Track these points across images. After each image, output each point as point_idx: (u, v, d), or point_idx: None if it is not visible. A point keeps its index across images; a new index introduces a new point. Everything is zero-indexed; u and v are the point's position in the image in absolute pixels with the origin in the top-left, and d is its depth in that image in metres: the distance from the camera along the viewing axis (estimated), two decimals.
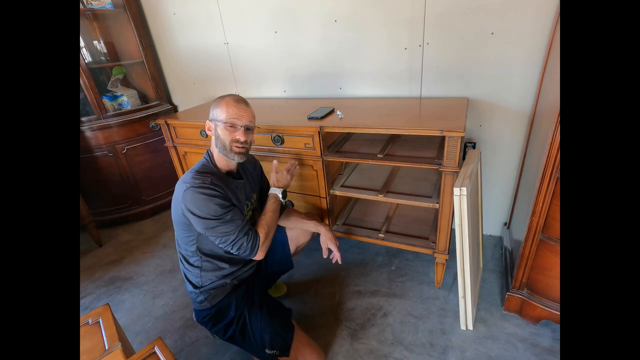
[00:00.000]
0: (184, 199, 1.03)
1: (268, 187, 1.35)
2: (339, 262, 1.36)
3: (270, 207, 1.24)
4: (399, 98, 1.76)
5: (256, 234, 1.12)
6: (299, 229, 1.40)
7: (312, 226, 1.38)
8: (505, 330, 1.33)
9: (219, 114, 1.11)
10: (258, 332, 1.12)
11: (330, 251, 1.37)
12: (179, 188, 1.06)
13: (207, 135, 1.72)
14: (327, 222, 1.63)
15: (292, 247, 1.40)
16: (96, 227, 2.15)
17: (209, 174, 1.09)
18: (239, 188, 1.19)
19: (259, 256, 1.13)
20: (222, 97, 1.13)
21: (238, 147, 1.12)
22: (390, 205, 1.82)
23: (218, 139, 1.13)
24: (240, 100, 1.13)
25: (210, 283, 1.16)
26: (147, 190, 2.39)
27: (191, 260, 1.16)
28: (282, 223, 1.40)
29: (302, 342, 1.17)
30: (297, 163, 1.41)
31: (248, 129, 1.13)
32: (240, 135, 1.11)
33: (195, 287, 1.17)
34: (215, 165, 1.16)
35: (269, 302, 1.22)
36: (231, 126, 1.10)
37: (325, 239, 1.36)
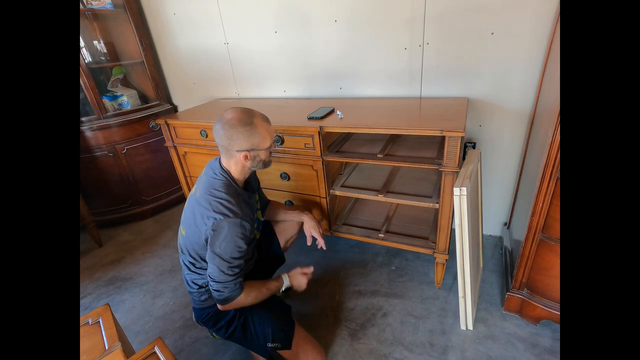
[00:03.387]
0: (215, 225, 1.00)
1: (260, 189, 1.36)
2: (324, 247, 1.38)
3: (269, 288, 1.18)
4: (399, 98, 1.76)
5: (238, 292, 1.07)
6: (284, 222, 1.42)
7: (295, 215, 1.40)
8: (505, 330, 1.33)
9: (261, 142, 1.07)
10: (260, 327, 1.13)
11: (314, 239, 1.39)
12: (208, 207, 1.02)
13: (207, 135, 1.72)
14: (327, 222, 1.64)
15: (282, 241, 1.42)
16: (96, 227, 2.15)
17: (237, 195, 1.07)
18: (252, 197, 1.21)
19: (220, 307, 1.09)
20: (253, 125, 1.05)
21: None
22: (390, 205, 1.82)
23: (258, 162, 1.11)
24: (267, 118, 1.11)
25: None
26: (147, 190, 2.39)
27: (199, 265, 1.14)
28: (267, 217, 1.42)
29: (303, 338, 1.19)
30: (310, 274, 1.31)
31: None
32: (274, 147, 1.15)
33: (200, 287, 1.16)
34: (236, 183, 1.12)
35: (269, 298, 1.23)
36: (274, 147, 1.13)
37: (308, 227, 1.38)
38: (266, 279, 1.22)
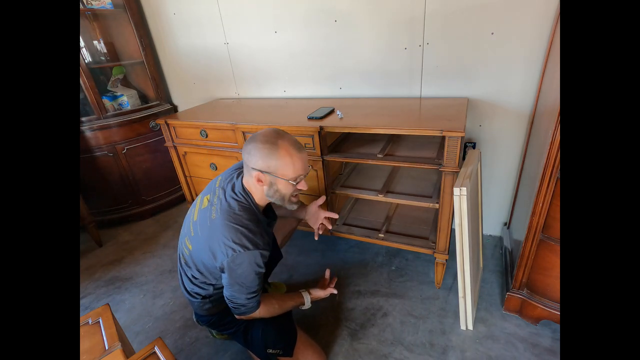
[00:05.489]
0: (234, 257, 0.93)
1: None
2: (329, 227, 1.34)
3: (290, 302, 1.18)
4: (399, 98, 1.76)
5: (255, 308, 1.06)
6: (281, 218, 1.36)
7: (298, 213, 1.36)
8: (505, 330, 1.33)
9: (281, 168, 0.96)
10: (261, 333, 1.13)
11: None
12: (227, 235, 0.94)
13: (207, 135, 1.72)
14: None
15: (279, 238, 1.39)
16: (96, 227, 2.15)
17: (257, 222, 1.00)
18: (271, 224, 1.20)
19: (236, 316, 1.10)
20: (275, 145, 0.96)
21: (297, 196, 1.07)
22: (390, 205, 1.82)
23: (275, 192, 1.01)
24: (300, 146, 0.99)
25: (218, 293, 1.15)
26: (147, 190, 2.39)
27: (203, 279, 1.10)
28: None
29: (304, 343, 1.18)
30: (336, 292, 1.29)
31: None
32: (303, 185, 1.02)
33: (203, 297, 1.14)
34: (257, 208, 1.05)
35: None
36: (298, 181, 1.00)
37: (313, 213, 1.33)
38: (285, 294, 1.21)
